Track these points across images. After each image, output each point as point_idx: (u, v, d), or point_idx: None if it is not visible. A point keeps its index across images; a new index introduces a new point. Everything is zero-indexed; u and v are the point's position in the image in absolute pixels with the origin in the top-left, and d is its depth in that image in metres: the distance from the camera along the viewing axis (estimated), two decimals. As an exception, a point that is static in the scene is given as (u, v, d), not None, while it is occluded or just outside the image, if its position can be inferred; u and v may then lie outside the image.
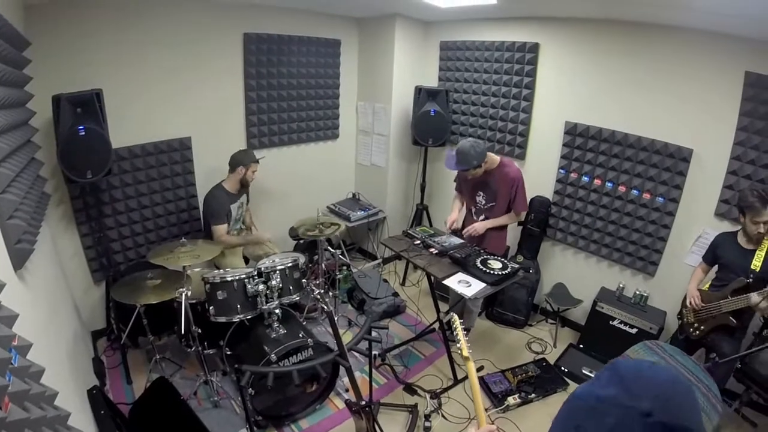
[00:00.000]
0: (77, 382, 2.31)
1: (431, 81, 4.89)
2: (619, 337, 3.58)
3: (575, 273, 4.22)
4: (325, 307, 2.33)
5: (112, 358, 3.60)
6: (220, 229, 3.64)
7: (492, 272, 2.98)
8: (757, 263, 2.78)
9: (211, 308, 3.04)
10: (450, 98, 4.69)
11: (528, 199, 3.72)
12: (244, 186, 3.84)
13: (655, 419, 0.63)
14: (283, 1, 4.05)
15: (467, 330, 4.14)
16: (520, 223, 4.24)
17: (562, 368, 3.64)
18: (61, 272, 3.21)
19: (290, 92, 4.51)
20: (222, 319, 3.04)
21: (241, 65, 4.11)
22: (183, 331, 2.82)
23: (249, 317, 3.09)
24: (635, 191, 3.70)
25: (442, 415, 3.18)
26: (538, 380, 3.47)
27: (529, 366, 3.62)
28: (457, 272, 3.03)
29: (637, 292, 3.72)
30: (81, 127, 2.94)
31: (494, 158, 3.47)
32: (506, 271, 3.02)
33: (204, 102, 3.95)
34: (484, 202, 3.60)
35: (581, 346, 3.92)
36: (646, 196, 3.63)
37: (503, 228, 3.67)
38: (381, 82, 4.89)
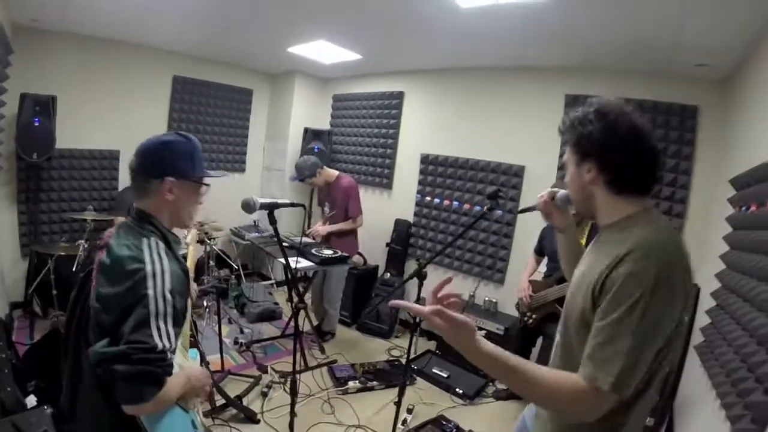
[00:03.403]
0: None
1: (326, 125, 5.88)
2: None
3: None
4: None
5: (22, 323, 4.07)
6: (118, 218, 4.43)
7: (320, 256, 3.67)
8: None
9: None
10: (331, 139, 5.65)
11: (391, 221, 4.55)
12: None
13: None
14: (206, 54, 5.20)
15: (332, 334, 4.44)
16: (387, 245, 4.92)
17: (413, 366, 3.84)
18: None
19: (206, 127, 5.55)
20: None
21: (168, 100, 5.18)
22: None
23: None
24: (477, 207, 4.31)
25: (284, 389, 3.40)
26: (384, 373, 3.75)
27: (379, 362, 3.92)
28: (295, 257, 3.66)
29: (487, 299, 4.12)
30: (36, 120, 3.97)
31: (331, 173, 4.23)
32: (333, 256, 3.72)
33: (136, 123, 4.79)
34: (328, 211, 4.32)
35: (438, 352, 4.12)
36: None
37: (346, 234, 4.25)
38: (282, 125, 5.92)
